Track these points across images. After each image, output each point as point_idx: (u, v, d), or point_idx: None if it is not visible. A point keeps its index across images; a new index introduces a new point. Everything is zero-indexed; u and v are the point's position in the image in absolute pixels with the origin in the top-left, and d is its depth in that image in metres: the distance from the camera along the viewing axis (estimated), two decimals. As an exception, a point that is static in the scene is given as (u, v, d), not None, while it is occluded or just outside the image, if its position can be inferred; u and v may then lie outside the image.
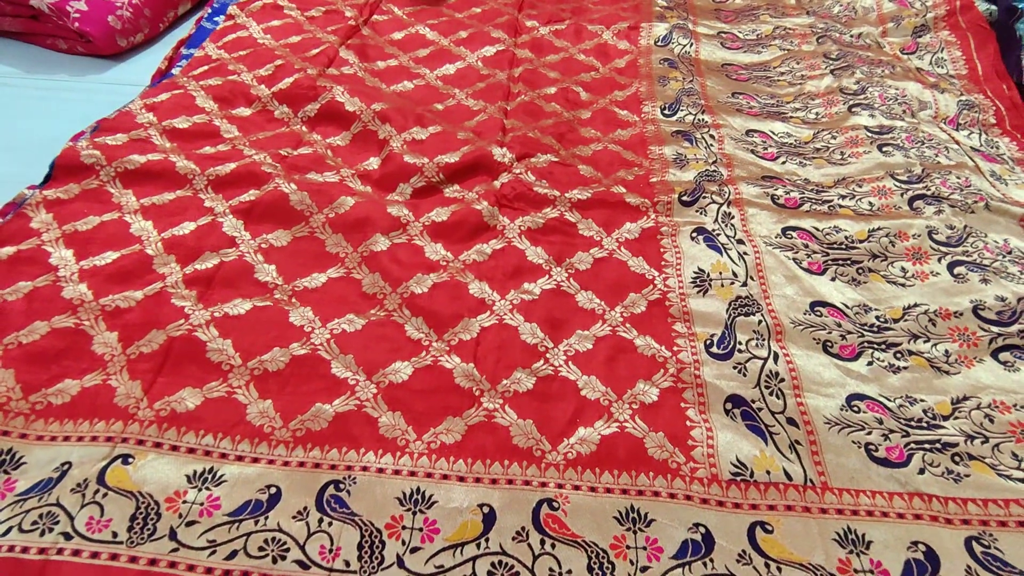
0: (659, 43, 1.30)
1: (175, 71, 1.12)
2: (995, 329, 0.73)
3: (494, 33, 1.29)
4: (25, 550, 0.51)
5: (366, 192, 0.90)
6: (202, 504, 0.55)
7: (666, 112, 1.10)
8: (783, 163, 0.99)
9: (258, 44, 1.19)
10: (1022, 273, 0.79)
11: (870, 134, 1.03)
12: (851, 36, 1.32)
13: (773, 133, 1.06)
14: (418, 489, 0.57)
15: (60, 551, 0.51)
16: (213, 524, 0.54)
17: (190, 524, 0.54)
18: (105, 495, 0.55)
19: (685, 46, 1.29)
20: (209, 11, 1.29)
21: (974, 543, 0.56)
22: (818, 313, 0.76)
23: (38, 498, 0.55)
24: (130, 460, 0.57)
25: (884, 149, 0.99)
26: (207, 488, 0.56)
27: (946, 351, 0.72)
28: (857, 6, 1.41)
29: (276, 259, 0.78)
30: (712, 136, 1.04)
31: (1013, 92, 1.16)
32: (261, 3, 1.30)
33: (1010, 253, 0.82)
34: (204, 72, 1.10)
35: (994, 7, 1.31)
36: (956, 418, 0.66)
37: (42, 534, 0.52)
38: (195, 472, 0.57)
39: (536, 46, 1.28)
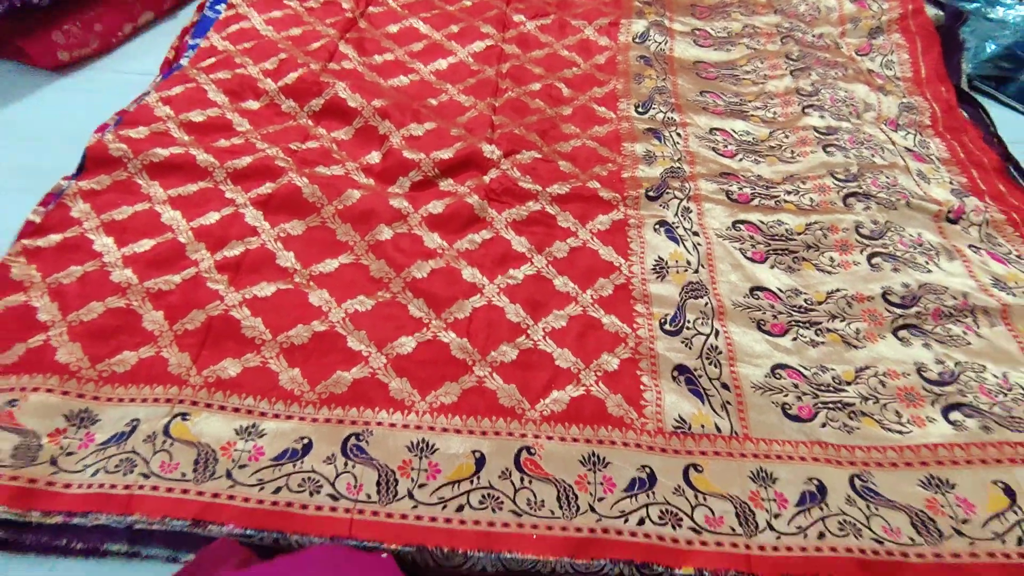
0: (637, 40, 1.41)
1: (184, 61, 1.22)
2: (897, 311, 0.88)
3: (483, 28, 1.38)
4: (113, 487, 0.65)
5: (370, 185, 1.02)
6: (249, 452, 0.69)
7: (639, 110, 1.21)
8: (740, 160, 1.12)
9: (261, 36, 1.28)
10: (927, 263, 0.94)
11: (818, 134, 1.16)
12: (813, 36, 1.44)
13: (734, 131, 1.19)
14: (423, 439, 0.71)
15: (141, 487, 0.65)
16: (260, 467, 0.68)
17: (242, 467, 0.67)
18: (171, 444, 0.68)
19: (661, 43, 1.40)
20: (209, 2, 1.37)
21: (856, 479, 0.71)
22: (756, 296, 0.90)
23: (116, 447, 0.68)
24: (187, 417, 0.71)
25: (828, 149, 1.12)
26: (252, 439, 0.70)
27: (857, 329, 0.86)
28: (821, 6, 1.52)
29: (294, 247, 0.91)
30: (679, 134, 1.16)
31: (950, 95, 1.28)
32: (262, -8, 1.39)
33: (921, 246, 0.96)
34: (212, 65, 1.19)
35: (941, 12, 1.43)
36: (857, 383, 0.80)
37: (125, 474, 0.66)
38: (241, 427, 0.71)
39: (523, 41, 1.38)
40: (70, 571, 0.65)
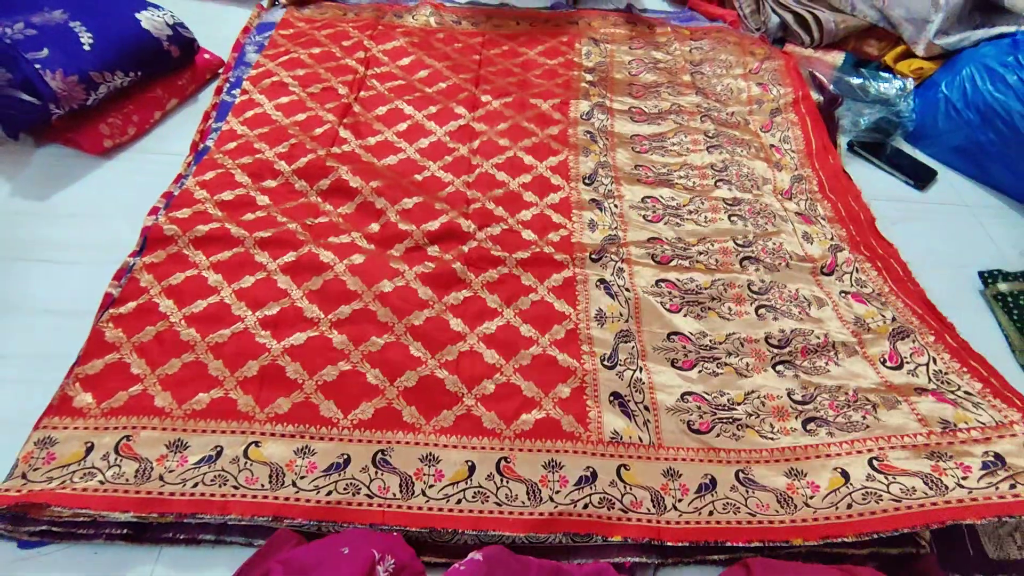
0: (583, 117, 1.70)
1: (209, 143, 1.46)
2: (775, 350, 1.19)
3: (457, 109, 1.65)
4: (212, 495, 0.90)
5: (371, 250, 1.29)
6: (306, 466, 0.95)
7: (586, 181, 1.50)
8: (664, 223, 1.43)
9: (272, 121, 1.52)
10: (799, 313, 1.24)
11: (726, 204, 1.47)
12: (726, 114, 1.76)
13: (662, 198, 1.49)
14: (430, 454, 0.98)
15: (233, 495, 0.90)
16: (315, 476, 0.93)
17: (302, 477, 0.93)
18: (251, 464, 0.94)
19: (603, 121, 1.70)
20: (227, 85, 1.61)
21: (739, 473, 1.00)
22: (672, 340, 1.20)
23: (208, 466, 0.93)
24: (259, 445, 0.96)
25: (732, 218, 1.43)
26: (307, 457, 0.96)
27: (747, 363, 1.17)
28: (733, 87, 1.85)
29: (316, 300, 1.17)
30: (616, 205, 1.46)
31: (836, 162, 1.60)
32: (270, 81, 1.63)
33: (796, 300, 1.27)
34: (234, 149, 1.44)
35: (820, 97, 1.79)
36: (744, 404, 1.11)
37: (220, 486, 0.91)
38: (298, 448, 0.97)
39: (489, 118, 1.64)
40: (174, 555, 0.90)
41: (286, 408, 1.01)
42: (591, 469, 0.99)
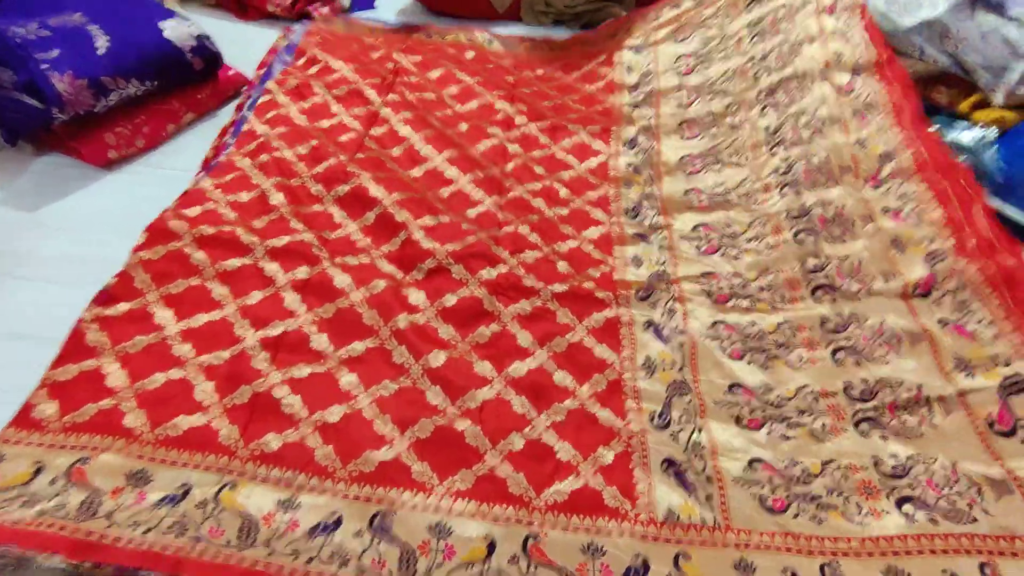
0: (627, 146, 1.55)
1: (223, 158, 1.33)
2: (857, 405, 0.98)
3: (490, 129, 1.52)
4: (165, 548, 0.72)
5: (392, 274, 1.13)
6: (287, 523, 0.77)
7: (630, 215, 1.35)
8: (720, 255, 1.22)
9: (295, 124, 1.41)
10: (887, 355, 1.01)
11: (791, 219, 1.21)
12: (796, 82, 1.41)
13: (716, 225, 1.27)
14: (441, 522, 0.80)
15: (191, 550, 0.72)
16: (295, 537, 0.76)
17: (280, 536, 0.75)
18: (221, 512, 0.76)
19: (648, 149, 1.53)
20: (248, 102, 1.49)
21: (825, 568, 0.81)
22: (734, 392, 1.02)
23: (168, 508, 0.75)
24: (235, 487, 0.79)
25: (798, 236, 1.18)
26: (290, 511, 0.78)
27: (823, 424, 0.97)
28: (804, 39, 1.48)
29: (326, 329, 1.00)
30: (664, 237, 1.29)
31: (937, 135, 1.21)
32: (296, 82, 1.52)
33: (882, 335, 1.03)
34: (254, 150, 1.31)
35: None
36: (823, 476, 0.91)
37: (177, 536, 0.73)
38: (281, 499, 0.79)
39: (524, 141, 1.51)
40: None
41: (275, 446, 0.84)
42: (641, 558, 0.79)
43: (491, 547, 0.78)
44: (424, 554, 0.76)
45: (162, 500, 0.77)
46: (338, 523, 0.78)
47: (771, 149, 1.36)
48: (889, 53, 1.40)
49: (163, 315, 0.97)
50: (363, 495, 0.81)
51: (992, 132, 1.67)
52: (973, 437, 0.92)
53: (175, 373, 0.90)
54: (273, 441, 0.84)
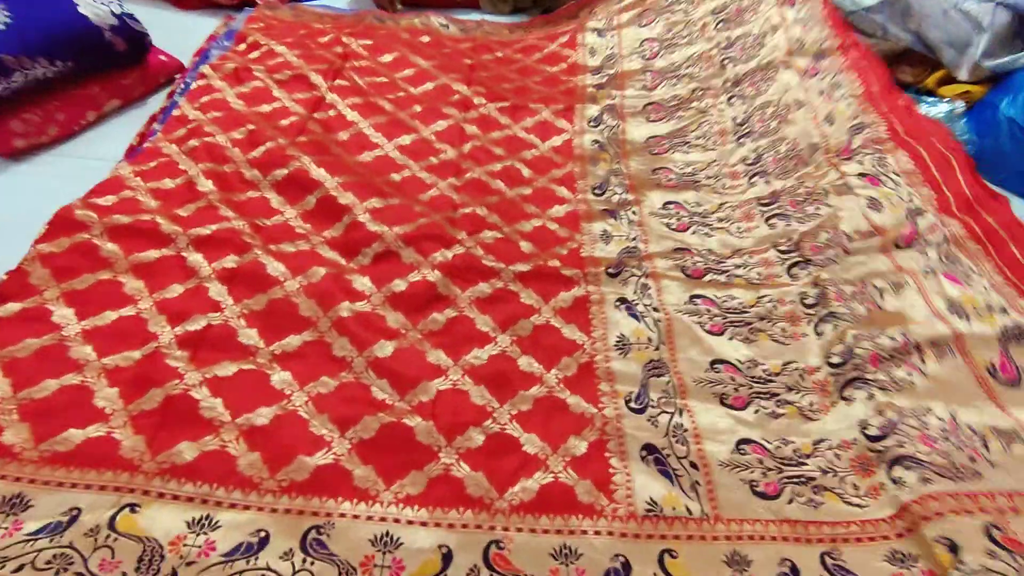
0: (591, 124, 1.47)
1: (148, 145, 1.21)
2: (838, 371, 0.89)
3: (445, 109, 1.43)
4: (42, 590, 0.59)
5: (334, 260, 1.01)
6: (200, 547, 0.65)
7: (596, 192, 1.26)
8: (692, 233, 1.16)
9: (231, 108, 1.29)
10: (871, 309, 0.93)
11: (761, 206, 1.18)
12: (759, 69, 1.44)
13: (686, 203, 1.22)
14: (387, 533, 0.68)
15: (74, 592, 0.60)
16: (210, 563, 0.64)
17: (190, 564, 0.63)
18: (116, 540, 0.64)
19: (613, 127, 1.46)
20: (182, 86, 1.37)
21: (826, 557, 0.71)
22: (716, 370, 0.92)
23: (49, 539, 0.63)
24: (137, 508, 0.66)
25: (770, 221, 1.15)
26: (204, 532, 0.66)
27: (810, 401, 0.88)
28: (767, 30, 1.51)
29: (256, 323, 0.89)
30: (634, 212, 1.20)
31: (907, 102, 1.23)
32: (233, 66, 1.40)
33: (862, 292, 0.96)
34: (183, 136, 1.20)
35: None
36: (815, 456, 0.82)
37: (57, 573, 0.61)
38: (194, 519, 0.67)
39: (483, 123, 1.42)
40: None
41: (189, 457, 0.72)
42: (621, 558, 0.69)
43: (447, 559, 0.67)
44: (367, 572, 0.65)
45: (41, 530, 0.64)
46: (264, 542, 0.66)
47: (738, 139, 1.34)
48: (852, 37, 1.40)
49: (62, 314, 0.85)
50: (295, 507, 0.69)
51: (959, 106, 1.63)
52: (973, 384, 0.84)
53: (71, 379, 0.78)
54: (187, 451, 0.72)
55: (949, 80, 1.80)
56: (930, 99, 1.68)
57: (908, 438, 0.80)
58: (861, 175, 1.11)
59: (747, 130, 1.36)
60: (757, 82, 1.44)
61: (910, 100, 1.23)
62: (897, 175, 1.09)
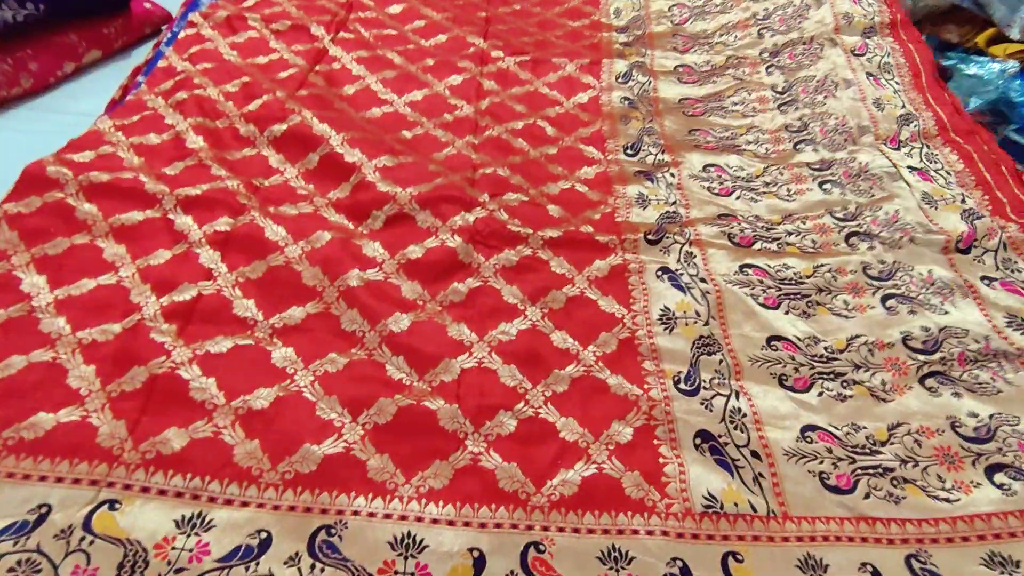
0: (619, 80, 1.36)
1: (132, 96, 1.10)
2: (921, 358, 0.81)
3: (460, 63, 1.31)
4: (5, 604, 0.50)
5: (341, 224, 0.91)
6: (191, 550, 0.55)
7: (628, 152, 1.15)
8: (737, 198, 1.06)
9: (223, 60, 1.18)
10: (943, 303, 0.87)
11: (812, 170, 1.11)
12: (802, 46, 1.37)
13: (728, 166, 1.12)
14: (409, 533, 0.59)
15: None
16: (203, 570, 0.54)
17: (179, 571, 0.54)
18: (92, 542, 0.54)
19: (644, 84, 1.35)
20: (169, 36, 1.25)
21: (913, 560, 0.62)
22: (774, 347, 0.82)
23: (13, 542, 0.53)
24: (117, 506, 0.57)
25: (824, 186, 1.07)
26: (196, 534, 0.56)
27: (883, 381, 0.79)
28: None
29: (253, 293, 0.78)
30: (672, 174, 1.09)
31: (953, 99, 1.21)
32: (225, 14, 1.29)
33: (933, 284, 0.90)
34: (170, 88, 1.08)
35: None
36: (891, 443, 0.72)
37: None
38: (184, 517, 0.57)
39: (502, 78, 1.31)
40: None
41: (177, 446, 0.62)
42: (679, 562, 0.59)
43: (479, 564, 0.57)
44: (386, 579, 0.55)
45: (4, 531, 0.54)
46: (265, 545, 0.56)
47: (779, 107, 1.27)
48: (901, 11, 1.37)
49: (32, 282, 0.74)
50: (300, 504, 0.60)
51: (1012, 65, 1.50)
52: None
53: (41, 355, 0.67)
54: (175, 439, 0.62)
55: (1000, 39, 1.67)
56: (980, 59, 1.56)
57: (1009, 447, 0.72)
58: (912, 168, 1.07)
59: (789, 99, 1.28)
60: (798, 55, 1.36)
61: (956, 99, 1.20)
62: (948, 173, 1.06)
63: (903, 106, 1.18)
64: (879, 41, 1.32)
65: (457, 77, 1.26)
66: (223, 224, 0.85)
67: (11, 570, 0.52)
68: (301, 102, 1.08)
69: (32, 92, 1.13)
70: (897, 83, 1.23)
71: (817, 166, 1.11)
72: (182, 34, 1.22)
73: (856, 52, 1.31)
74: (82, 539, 0.54)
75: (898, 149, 1.12)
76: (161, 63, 1.14)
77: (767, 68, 1.36)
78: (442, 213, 0.93)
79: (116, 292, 0.75)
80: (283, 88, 1.11)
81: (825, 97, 1.25)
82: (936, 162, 1.08)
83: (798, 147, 1.16)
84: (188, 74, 1.11)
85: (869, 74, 1.26)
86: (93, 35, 1.21)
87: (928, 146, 1.11)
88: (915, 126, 1.14)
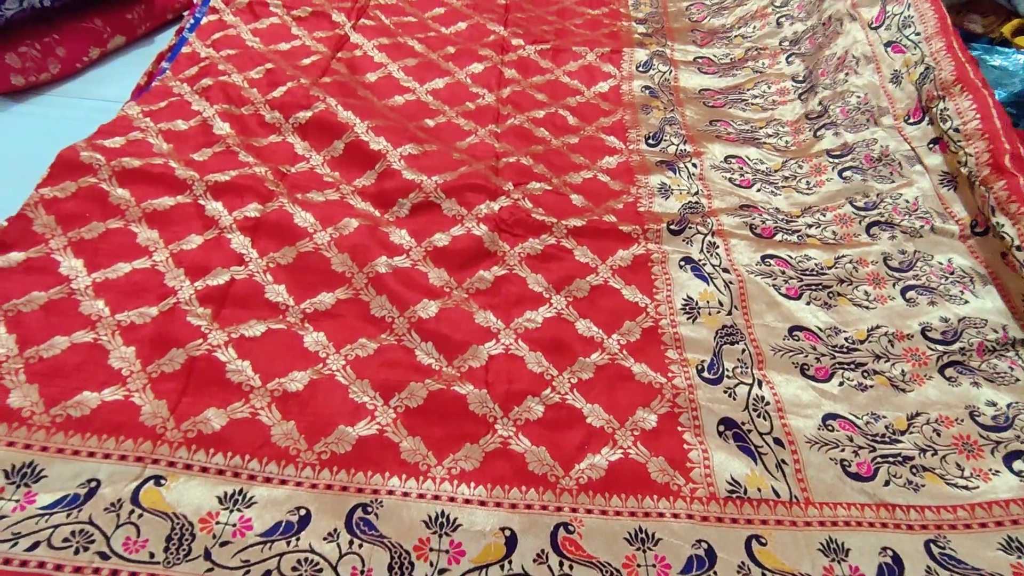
0: (640, 68, 1.36)
1: (157, 83, 1.11)
2: (940, 348, 0.82)
3: (481, 51, 1.31)
4: (59, 567, 0.52)
5: (368, 211, 0.92)
6: (235, 525, 0.57)
7: (650, 142, 1.15)
8: (757, 191, 1.06)
9: (246, 45, 1.19)
10: (962, 293, 0.88)
11: (831, 159, 1.10)
12: (820, 25, 1.36)
13: (748, 159, 1.13)
14: (442, 512, 0.60)
15: (97, 571, 0.52)
16: (246, 544, 0.56)
17: (224, 544, 0.56)
18: (140, 516, 0.56)
19: (665, 74, 1.35)
20: (192, 21, 1.26)
21: (932, 545, 0.63)
22: (796, 337, 0.83)
23: (66, 514, 0.55)
24: (163, 482, 0.59)
25: (844, 174, 1.06)
26: (239, 509, 0.58)
27: (903, 371, 0.80)
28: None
29: (284, 278, 0.80)
30: (694, 164, 1.10)
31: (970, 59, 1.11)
32: (247, 0, 1.29)
33: (952, 274, 0.90)
34: (195, 75, 1.09)
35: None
36: (911, 432, 0.73)
37: (76, 552, 0.53)
38: (226, 494, 0.59)
39: (522, 66, 1.31)
40: None
41: (217, 425, 0.64)
42: (704, 544, 0.61)
43: (511, 543, 0.59)
44: (422, 557, 0.57)
45: (57, 503, 0.56)
46: (304, 522, 0.58)
47: (800, 96, 1.26)
48: None
49: (71, 265, 0.76)
50: (337, 483, 0.62)
51: None
52: None
53: (82, 336, 0.69)
54: (215, 419, 0.64)
55: (1026, 31, 1.65)
56: (1005, 50, 1.55)
57: None
58: (934, 140, 1.06)
59: (809, 85, 1.27)
60: (818, 37, 1.35)
61: (975, 62, 1.12)
62: (962, 134, 1.00)
63: (921, 60, 1.13)
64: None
65: (478, 65, 1.27)
66: (253, 210, 0.86)
67: (66, 540, 0.54)
68: (325, 89, 1.09)
69: (59, 78, 1.13)
70: (917, 34, 1.17)
71: (837, 153, 1.10)
72: (204, 20, 1.22)
73: (873, 25, 1.26)
74: (131, 512, 0.56)
75: (918, 123, 1.09)
76: (185, 49, 1.15)
77: (787, 57, 1.36)
78: (467, 201, 0.94)
79: (151, 276, 0.76)
80: (307, 75, 1.12)
81: (847, 75, 1.22)
82: (950, 121, 1.02)
83: (818, 133, 1.16)
84: (212, 60, 1.12)
85: (888, 44, 1.21)
86: (117, 20, 1.22)
87: (946, 97, 1.04)
88: (930, 81, 1.08)
